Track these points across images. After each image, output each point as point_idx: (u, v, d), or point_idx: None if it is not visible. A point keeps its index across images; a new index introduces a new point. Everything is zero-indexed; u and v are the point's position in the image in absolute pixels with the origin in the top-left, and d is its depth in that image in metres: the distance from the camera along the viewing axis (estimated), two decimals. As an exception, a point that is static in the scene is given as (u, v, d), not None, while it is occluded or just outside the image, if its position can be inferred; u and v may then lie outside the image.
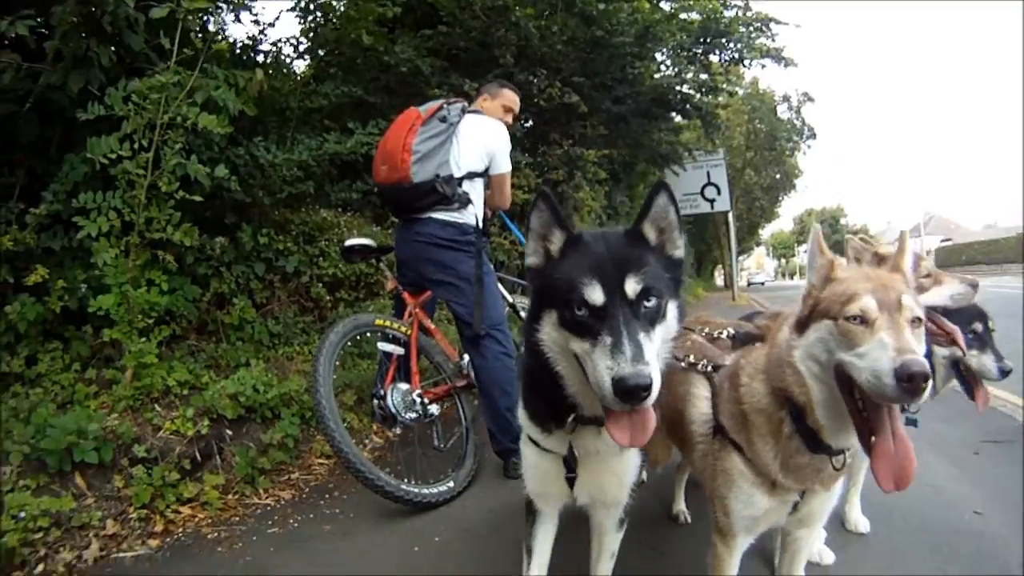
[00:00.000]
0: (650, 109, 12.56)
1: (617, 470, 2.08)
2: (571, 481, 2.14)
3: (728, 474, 2.07)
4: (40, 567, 3.11)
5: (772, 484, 1.96)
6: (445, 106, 4.16)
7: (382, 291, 6.89)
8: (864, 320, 1.68)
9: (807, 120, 33.98)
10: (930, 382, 1.52)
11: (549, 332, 1.80)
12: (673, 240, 1.89)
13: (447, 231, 4.05)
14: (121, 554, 3.29)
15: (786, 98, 33.06)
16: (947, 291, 2.74)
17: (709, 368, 2.34)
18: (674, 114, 13.84)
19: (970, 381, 2.76)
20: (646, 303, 1.69)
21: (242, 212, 5.55)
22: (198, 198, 4.00)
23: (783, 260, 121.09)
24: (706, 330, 3.04)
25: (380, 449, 4.78)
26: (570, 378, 1.85)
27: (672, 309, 1.79)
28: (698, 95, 13.74)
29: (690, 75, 13.56)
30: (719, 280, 41.97)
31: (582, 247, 1.81)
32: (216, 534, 3.49)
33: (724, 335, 2.94)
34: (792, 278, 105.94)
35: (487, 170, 4.23)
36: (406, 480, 3.73)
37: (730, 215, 24.91)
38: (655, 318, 1.72)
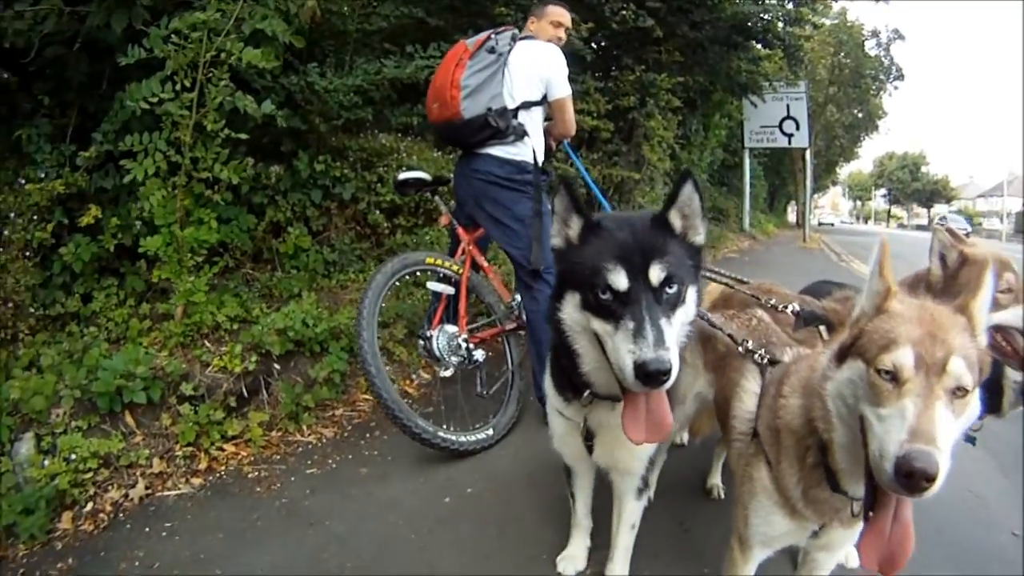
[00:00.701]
0: (729, 36, 11.95)
1: (630, 443, 2.07)
2: (589, 448, 2.31)
3: (753, 484, 1.97)
4: (89, 506, 3.24)
5: (793, 508, 1.86)
6: (493, 36, 3.98)
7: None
8: (895, 377, 1.44)
9: (895, 59, 32.16)
10: (937, 483, 1.31)
11: (570, 313, 1.89)
12: (696, 227, 1.96)
13: (505, 169, 3.92)
14: (165, 492, 3.39)
15: (875, 34, 31.17)
16: None
17: (766, 360, 2.17)
18: (755, 43, 13.11)
19: None
20: (668, 290, 1.77)
21: (299, 139, 5.50)
22: (244, 135, 3.92)
23: (859, 202, 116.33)
24: (771, 301, 2.88)
25: (427, 386, 4.77)
26: (588, 357, 1.96)
27: (692, 294, 1.86)
28: (782, 24, 13.00)
29: (774, 2, 12.81)
30: (791, 217, 40.70)
31: (605, 232, 1.87)
32: (256, 473, 3.56)
33: (789, 310, 2.79)
34: (867, 222, 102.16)
35: (545, 98, 4.01)
36: (444, 426, 3.71)
37: (808, 152, 23.89)
38: (676, 304, 1.80)
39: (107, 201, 4.04)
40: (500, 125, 3.83)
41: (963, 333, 1.49)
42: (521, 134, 3.90)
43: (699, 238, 1.97)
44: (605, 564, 2.60)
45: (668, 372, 1.63)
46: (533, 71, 3.92)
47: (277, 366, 4.18)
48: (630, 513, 2.49)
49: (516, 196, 3.93)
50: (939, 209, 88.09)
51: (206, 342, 4.07)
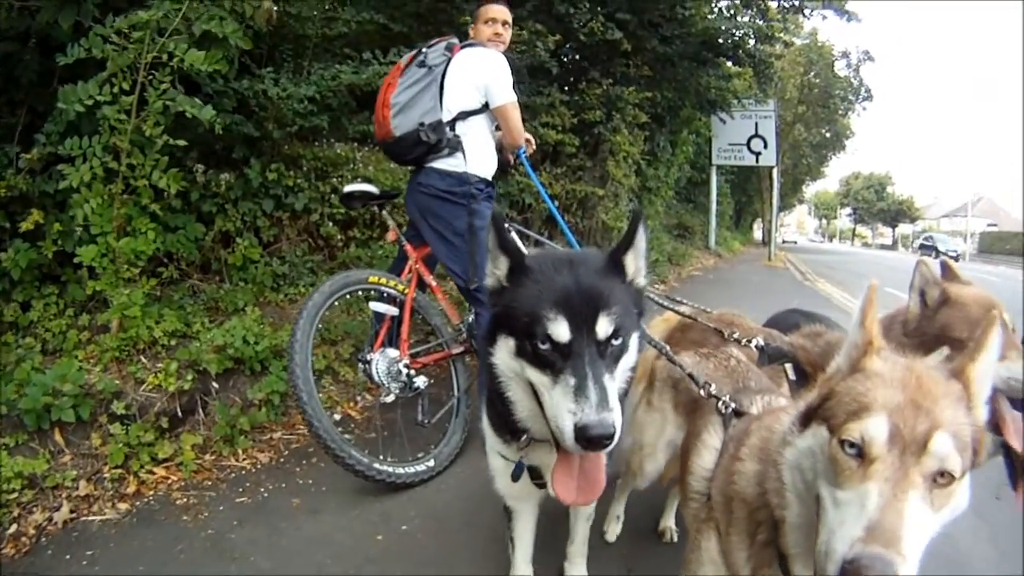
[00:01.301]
0: (699, 52, 11.90)
1: None
2: (539, 484, 2.20)
3: (700, 555, 1.73)
4: (13, 528, 3.08)
5: None
6: (424, 50, 3.91)
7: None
8: (862, 453, 1.17)
9: (865, 80, 32.71)
10: None
11: (503, 358, 1.77)
12: (642, 270, 1.86)
13: (445, 182, 3.83)
14: (90, 517, 3.22)
15: (846, 54, 31.73)
16: (1004, 371, 2.07)
17: (730, 409, 1.90)
18: (724, 60, 13.14)
19: (1018, 470, 2.16)
20: (613, 342, 1.65)
21: (252, 146, 5.33)
22: (182, 142, 3.74)
23: (825, 221, 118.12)
24: (735, 334, 2.76)
25: (372, 408, 4.58)
26: (522, 404, 1.84)
27: (634, 340, 1.76)
28: (752, 41, 13.05)
29: (746, 19, 12.86)
30: (757, 234, 41.28)
31: (543, 274, 1.73)
32: (185, 500, 3.40)
33: (752, 345, 2.64)
34: (832, 240, 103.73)
35: (487, 106, 3.89)
36: (382, 457, 3.56)
37: (775, 170, 24.13)
38: (620, 355, 1.69)
39: (51, 206, 3.84)
40: (432, 139, 3.76)
41: (956, 404, 1.21)
42: (455, 146, 3.81)
43: (642, 280, 1.87)
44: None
45: (611, 436, 1.51)
46: (468, 79, 3.83)
47: (215, 385, 4.04)
48: (585, 509, 2.54)
49: (457, 210, 3.85)
50: (903, 228, 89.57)
51: (142, 358, 3.91)
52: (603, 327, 1.62)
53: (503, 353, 1.76)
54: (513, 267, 1.77)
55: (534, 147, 4.34)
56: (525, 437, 1.96)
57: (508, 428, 2.01)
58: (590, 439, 1.50)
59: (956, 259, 38.31)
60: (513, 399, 1.84)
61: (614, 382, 1.64)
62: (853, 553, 1.06)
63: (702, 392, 2.03)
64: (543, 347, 1.62)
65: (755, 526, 1.51)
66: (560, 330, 1.60)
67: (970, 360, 1.27)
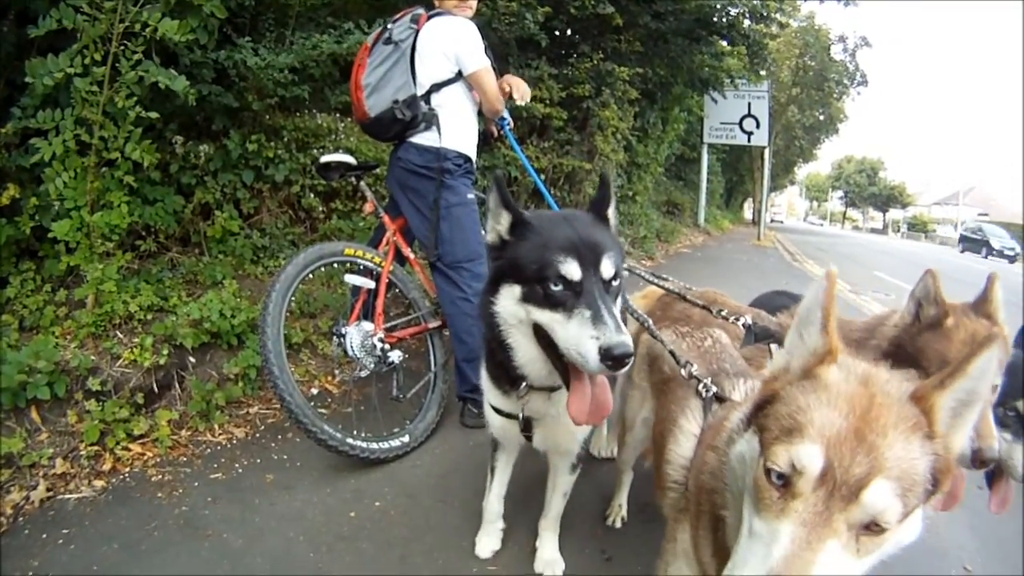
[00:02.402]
0: (693, 29, 11.82)
1: (569, 426, 2.19)
2: (528, 437, 2.39)
3: (675, 546, 1.72)
4: None
5: None
6: (388, 26, 3.87)
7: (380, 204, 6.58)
8: (785, 484, 1.07)
9: (860, 65, 32.57)
10: None
11: (507, 306, 1.97)
12: (615, 224, 2.15)
13: (423, 157, 3.81)
14: (67, 495, 3.20)
15: (842, 39, 31.65)
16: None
17: (710, 393, 1.87)
18: (719, 38, 13.04)
19: (993, 469, 2.06)
20: (614, 282, 1.90)
21: (232, 117, 5.23)
22: (154, 115, 3.66)
23: (815, 203, 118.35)
24: (722, 312, 2.73)
25: (349, 383, 4.57)
26: (523, 350, 2.04)
27: (620, 282, 1.99)
28: (747, 20, 12.94)
29: (741, -3, 12.72)
30: (748, 214, 41.37)
31: (544, 227, 1.96)
32: (160, 476, 3.37)
33: (740, 323, 2.64)
34: (823, 222, 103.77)
35: (460, 75, 3.84)
36: (356, 432, 3.54)
37: (767, 151, 24.10)
38: (617, 296, 1.92)
39: (28, 180, 3.75)
40: (407, 115, 3.73)
41: (908, 436, 1.07)
42: (431, 120, 3.78)
43: (615, 229, 2.15)
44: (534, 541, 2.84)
45: (631, 355, 1.72)
46: (437, 49, 3.76)
47: (192, 360, 4.00)
48: (563, 484, 2.66)
49: (431, 185, 3.82)
50: (894, 213, 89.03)
51: (118, 333, 3.86)
52: (607, 267, 1.88)
53: (507, 301, 1.97)
54: (515, 223, 1.99)
55: (527, 96, 4.23)
56: (524, 385, 2.14)
57: (508, 378, 2.19)
58: (615, 358, 1.71)
59: (1013, 260, 35.14)
60: (514, 345, 2.04)
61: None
62: None
63: (683, 372, 2.03)
64: (555, 288, 1.85)
65: (717, 520, 1.43)
66: (572, 270, 1.84)
67: (939, 387, 1.11)
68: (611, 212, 2.11)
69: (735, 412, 1.52)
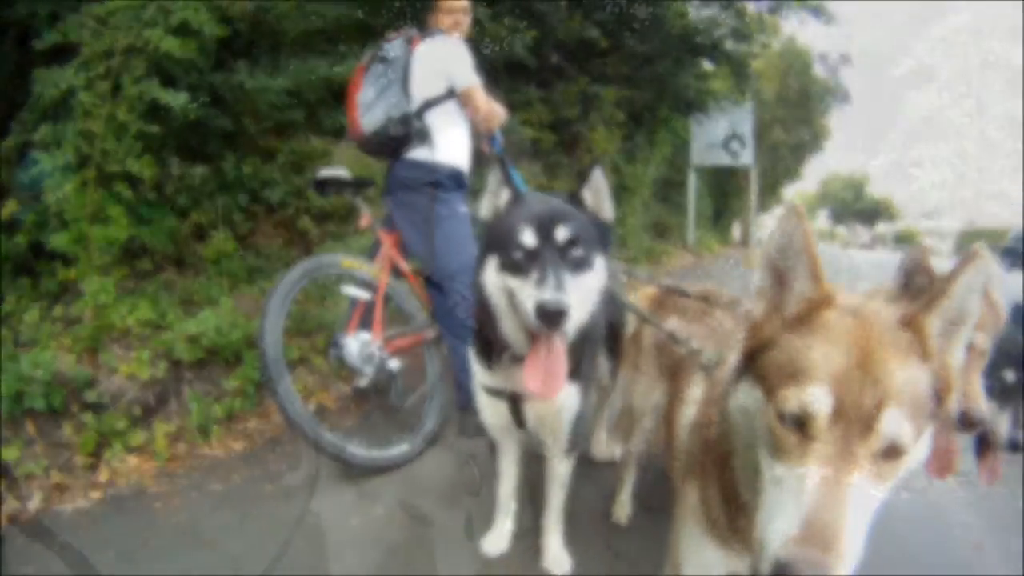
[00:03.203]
0: (677, 51, 12.01)
1: (556, 404, 2.36)
2: (519, 420, 2.49)
3: (684, 506, 1.68)
4: None
5: (722, 538, 1.55)
6: (384, 46, 3.95)
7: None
8: (800, 428, 1.08)
9: (842, 82, 32.92)
10: None
11: (489, 275, 2.14)
12: (604, 205, 2.27)
13: (416, 171, 3.85)
14: (62, 505, 3.20)
15: (823, 57, 32.00)
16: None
17: (712, 361, 1.81)
18: (703, 59, 13.26)
19: (982, 440, 2.08)
20: (573, 251, 2.03)
21: (227, 140, 5.29)
22: (155, 128, 3.73)
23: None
24: (722, 299, 2.77)
25: (347, 399, 4.57)
26: (504, 315, 2.17)
27: (600, 261, 2.12)
28: (730, 41, 13.16)
29: (723, 18, 12.95)
30: (737, 235, 41.49)
31: (525, 204, 2.18)
32: (158, 488, 3.38)
33: (740, 311, 2.66)
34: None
35: (452, 92, 3.88)
36: (356, 440, 3.53)
37: (752, 172, 24.25)
38: (580, 265, 2.04)
39: (29, 196, 3.79)
40: (400, 132, 3.78)
41: (908, 359, 1.11)
42: (424, 136, 3.83)
43: (607, 215, 2.28)
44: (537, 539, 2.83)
45: (564, 313, 1.86)
46: (429, 67, 3.83)
47: (189, 374, 4.01)
48: (561, 474, 2.70)
49: (426, 199, 3.87)
50: (882, 228, 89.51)
51: (116, 347, 3.87)
52: (561, 233, 2.01)
53: (490, 270, 2.13)
54: (511, 200, 2.23)
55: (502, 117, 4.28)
56: (507, 353, 2.28)
57: (494, 348, 2.33)
58: (546, 314, 1.86)
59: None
60: (497, 312, 2.18)
61: (576, 283, 2.00)
62: (787, 556, 1.01)
63: (683, 349, 2.07)
64: (517, 255, 2.02)
65: (724, 474, 1.45)
66: (527, 238, 2.01)
67: (925, 310, 1.17)
68: (586, 194, 2.24)
69: (724, 367, 1.58)
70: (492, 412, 2.57)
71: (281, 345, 3.40)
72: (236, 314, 4.35)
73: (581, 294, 2.02)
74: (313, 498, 3.32)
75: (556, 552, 2.77)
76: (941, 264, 1.95)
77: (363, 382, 3.78)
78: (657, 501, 2.85)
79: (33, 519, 3.09)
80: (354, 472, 3.50)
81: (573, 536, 2.84)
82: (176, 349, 3.88)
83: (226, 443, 3.86)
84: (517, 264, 2.02)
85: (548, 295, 1.86)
